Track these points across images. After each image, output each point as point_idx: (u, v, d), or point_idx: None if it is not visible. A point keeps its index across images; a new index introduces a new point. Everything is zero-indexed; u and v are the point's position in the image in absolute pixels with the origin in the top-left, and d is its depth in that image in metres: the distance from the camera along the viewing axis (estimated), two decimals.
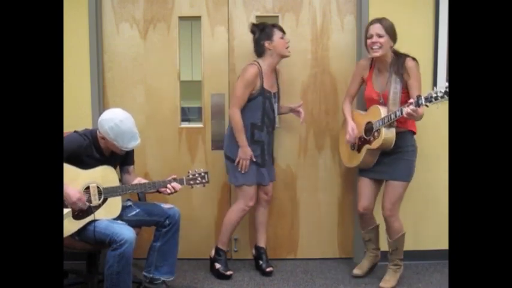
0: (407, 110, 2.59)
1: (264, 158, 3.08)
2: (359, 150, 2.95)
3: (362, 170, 3.03)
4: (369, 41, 2.81)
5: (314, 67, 3.38)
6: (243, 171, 3.02)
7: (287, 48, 3.03)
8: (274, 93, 3.08)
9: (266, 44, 3.00)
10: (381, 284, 2.96)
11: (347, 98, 3.11)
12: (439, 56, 3.24)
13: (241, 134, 2.99)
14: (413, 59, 2.81)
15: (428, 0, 3.24)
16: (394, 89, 2.77)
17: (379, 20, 2.81)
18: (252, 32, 3.06)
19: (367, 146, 2.87)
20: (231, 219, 3.14)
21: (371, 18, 3.16)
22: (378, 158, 2.89)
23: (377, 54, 2.79)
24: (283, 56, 3.04)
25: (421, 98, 2.54)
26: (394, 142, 2.76)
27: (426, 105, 2.56)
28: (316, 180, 3.45)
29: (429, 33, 3.25)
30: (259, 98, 3.00)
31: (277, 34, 3.00)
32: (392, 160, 2.86)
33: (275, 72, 3.14)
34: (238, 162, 3.02)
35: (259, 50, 3.04)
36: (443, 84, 3.22)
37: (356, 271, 3.12)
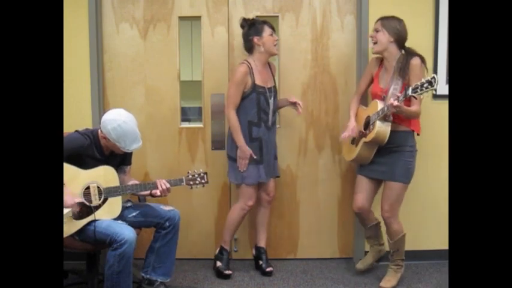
0: (391, 101, 2.60)
1: (262, 154, 3.06)
2: (357, 144, 2.96)
3: (361, 168, 3.03)
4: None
5: (314, 67, 3.38)
6: (241, 170, 3.03)
7: (275, 45, 3.05)
8: (269, 88, 3.08)
9: (255, 39, 3.01)
10: (382, 284, 2.96)
11: (356, 95, 3.12)
12: (439, 56, 3.24)
13: (238, 133, 3.00)
14: (420, 57, 2.79)
15: (428, 0, 3.25)
16: (395, 85, 2.78)
17: (382, 17, 2.86)
18: (241, 26, 3.10)
19: (363, 139, 2.88)
20: (232, 218, 3.16)
21: (371, 18, 3.18)
22: (377, 157, 2.89)
23: (374, 49, 2.87)
24: (271, 54, 3.06)
25: (409, 89, 2.56)
26: (387, 137, 2.75)
27: (414, 97, 2.56)
28: (316, 180, 3.45)
29: (429, 33, 3.25)
30: (253, 95, 3.01)
31: (267, 31, 3.01)
32: (391, 160, 2.85)
33: (269, 67, 3.15)
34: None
35: (248, 46, 3.06)
36: (443, 86, 3.24)
37: (359, 265, 3.14)
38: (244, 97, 3.01)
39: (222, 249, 3.20)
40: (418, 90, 2.52)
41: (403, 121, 2.82)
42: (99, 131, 2.60)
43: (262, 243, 3.25)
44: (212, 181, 3.11)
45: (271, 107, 3.08)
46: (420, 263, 3.34)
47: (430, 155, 3.30)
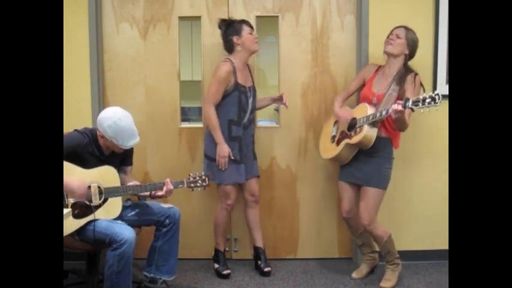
0: (394, 106, 2.56)
1: (242, 154, 3.06)
2: (338, 144, 2.95)
3: (341, 174, 3.03)
4: (386, 38, 2.86)
5: (314, 67, 3.38)
6: (222, 169, 3.00)
7: (256, 43, 3.06)
8: (249, 88, 3.09)
9: (234, 39, 3.02)
10: (382, 284, 2.96)
11: (343, 92, 3.11)
12: (439, 56, 3.24)
13: (217, 131, 2.98)
14: (418, 75, 2.82)
15: (428, 0, 3.25)
16: (392, 91, 2.78)
17: (406, 27, 2.85)
18: (219, 27, 3.10)
19: (346, 141, 2.87)
20: (216, 220, 3.20)
21: (371, 18, 3.19)
22: (355, 162, 2.89)
23: (387, 49, 2.84)
24: (251, 52, 3.07)
25: (409, 101, 2.53)
26: (372, 142, 2.75)
27: (412, 109, 2.54)
28: (316, 180, 3.45)
29: (429, 33, 3.25)
30: (235, 93, 3.01)
31: (245, 29, 3.02)
32: (369, 166, 2.85)
33: (248, 67, 3.15)
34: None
35: (228, 46, 3.07)
36: (443, 86, 3.24)
37: (355, 275, 3.12)
38: (225, 95, 3.01)
39: (216, 251, 3.24)
40: (420, 104, 2.48)
41: (388, 131, 2.83)
42: (97, 130, 2.60)
43: (259, 243, 3.25)
44: (212, 181, 3.11)
45: (250, 106, 3.09)
46: (420, 263, 3.34)
47: (430, 154, 3.30)
